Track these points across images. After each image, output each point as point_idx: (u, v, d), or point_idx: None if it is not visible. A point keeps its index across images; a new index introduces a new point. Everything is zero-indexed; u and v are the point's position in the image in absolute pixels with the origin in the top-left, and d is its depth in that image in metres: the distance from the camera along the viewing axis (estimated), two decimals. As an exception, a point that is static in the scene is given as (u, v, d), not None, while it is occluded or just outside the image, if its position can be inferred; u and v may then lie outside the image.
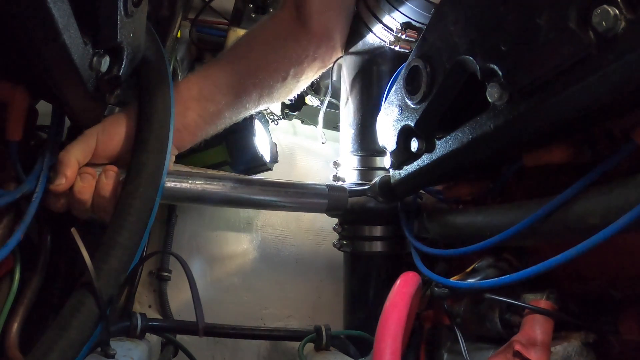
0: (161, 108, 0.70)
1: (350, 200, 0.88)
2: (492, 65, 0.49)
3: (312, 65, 0.94)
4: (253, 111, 0.91)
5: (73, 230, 0.57)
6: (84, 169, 0.70)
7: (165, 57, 0.77)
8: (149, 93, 0.71)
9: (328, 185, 0.87)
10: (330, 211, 0.88)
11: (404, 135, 0.70)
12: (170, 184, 0.73)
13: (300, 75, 0.92)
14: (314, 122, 1.20)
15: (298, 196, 0.84)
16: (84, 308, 0.55)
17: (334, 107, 1.19)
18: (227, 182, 0.78)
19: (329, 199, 0.85)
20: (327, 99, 1.10)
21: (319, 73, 0.98)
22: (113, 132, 0.72)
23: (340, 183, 1.01)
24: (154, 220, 0.65)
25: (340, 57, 1.00)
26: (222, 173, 0.96)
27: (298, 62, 0.91)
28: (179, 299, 1.14)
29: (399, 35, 0.89)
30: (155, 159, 0.66)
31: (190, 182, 0.75)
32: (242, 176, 0.82)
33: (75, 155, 0.69)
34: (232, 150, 1.09)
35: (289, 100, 1.28)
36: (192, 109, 0.80)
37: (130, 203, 0.62)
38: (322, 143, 1.16)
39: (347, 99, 1.01)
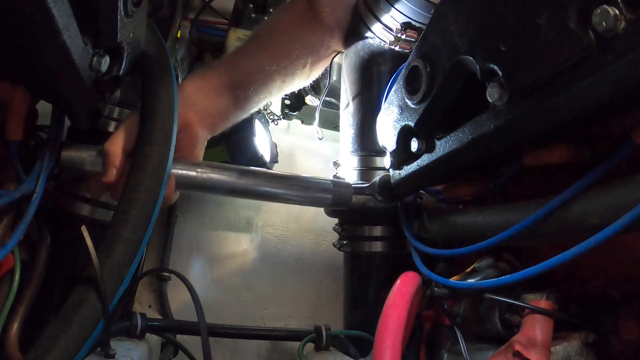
0: (165, 100, 0.70)
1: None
2: (492, 65, 0.49)
3: (327, 53, 1.00)
4: (277, 96, 0.96)
5: (83, 227, 0.57)
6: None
7: (167, 51, 0.77)
8: (152, 86, 0.71)
9: (333, 181, 0.86)
10: (334, 206, 0.88)
11: (404, 135, 0.70)
12: (177, 171, 0.73)
13: (317, 62, 0.98)
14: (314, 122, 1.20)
15: (303, 190, 0.83)
16: (87, 303, 0.54)
17: (334, 107, 1.19)
18: (233, 172, 0.79)
19: (333, 194, 0.84)
20: (324, 96, 1.11)
21: (330, 61, 1.03)
22: None
23: (340, 183, 1.01)
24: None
25: (340, 52, 1.02)
26: (228, 164, 0.95)
27: (315, 51, 0.96)
28: (179, 299, 1.14)
29: (399, 35, 0.89)
30: (159, 151, 0.65)
31: (197, 170, 0.75)
32: (248, 167, 0.81)
33: (121, 144, 0.69)
34: (232, 150, 1.09)
35: (288, 100, 1.28)
36: (224, 95, 0.84)
37: (134, 196, 0.61)
38: (319, 139, 1.16)
39: (347, 99, 1.01)
